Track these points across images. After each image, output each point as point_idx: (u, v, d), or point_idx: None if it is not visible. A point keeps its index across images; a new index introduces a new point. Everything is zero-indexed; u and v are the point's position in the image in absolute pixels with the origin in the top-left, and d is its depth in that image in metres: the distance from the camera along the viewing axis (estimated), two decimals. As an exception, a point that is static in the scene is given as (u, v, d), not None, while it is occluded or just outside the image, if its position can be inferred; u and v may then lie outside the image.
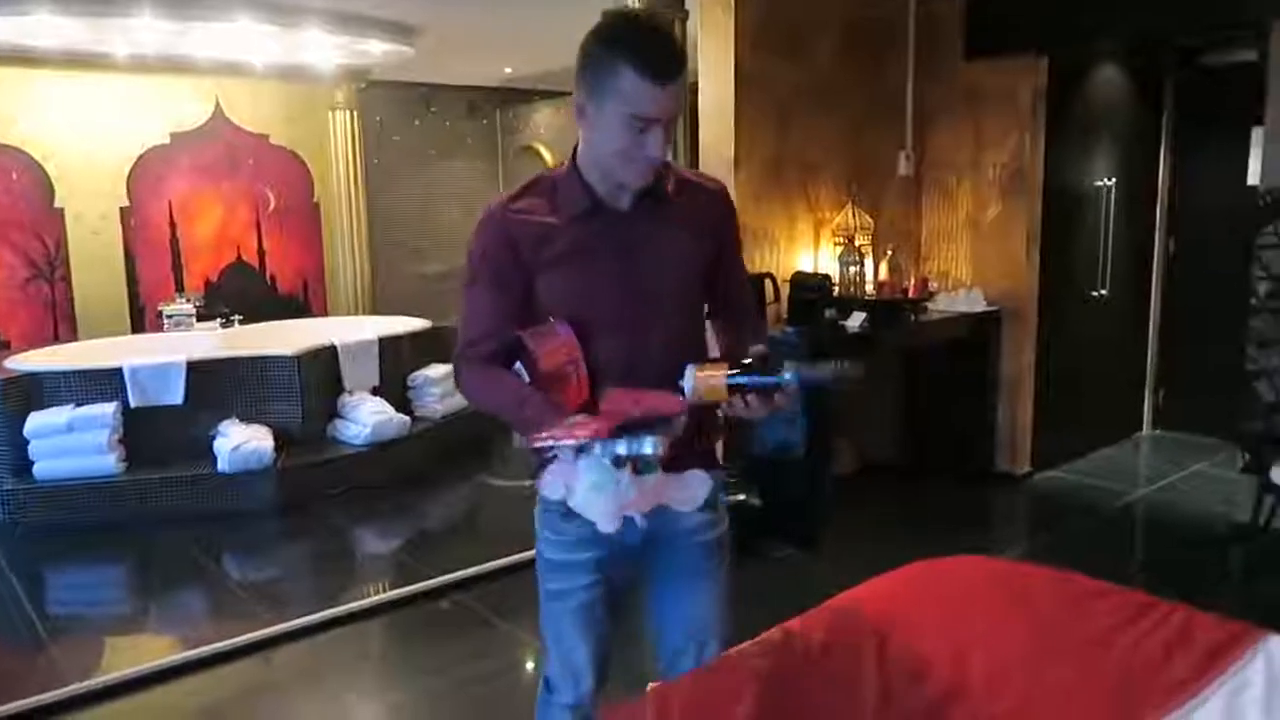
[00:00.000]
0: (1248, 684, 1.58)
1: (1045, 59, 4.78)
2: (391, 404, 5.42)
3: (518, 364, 1.63)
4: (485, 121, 8.54)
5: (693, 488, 1.67)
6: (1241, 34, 4.70)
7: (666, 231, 1.61)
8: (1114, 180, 5.40)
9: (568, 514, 1.61)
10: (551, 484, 1.61)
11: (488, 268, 1.60)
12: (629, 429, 1.42)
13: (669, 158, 1.59)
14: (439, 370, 5.86)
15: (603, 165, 1.55)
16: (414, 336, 5.99)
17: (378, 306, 7.59)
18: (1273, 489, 3.63)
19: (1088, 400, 5.44)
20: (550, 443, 1.46)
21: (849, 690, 1.58)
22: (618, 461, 1.43)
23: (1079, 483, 5.04)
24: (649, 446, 1.41)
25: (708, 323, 1.78)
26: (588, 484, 1.46)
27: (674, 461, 1.51)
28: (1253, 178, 4.28)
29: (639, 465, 1.45)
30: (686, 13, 3.91)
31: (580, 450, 1.44)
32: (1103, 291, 5.44)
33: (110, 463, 4.69)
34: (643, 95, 1.44)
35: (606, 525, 1.50)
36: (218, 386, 4.99)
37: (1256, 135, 4.23)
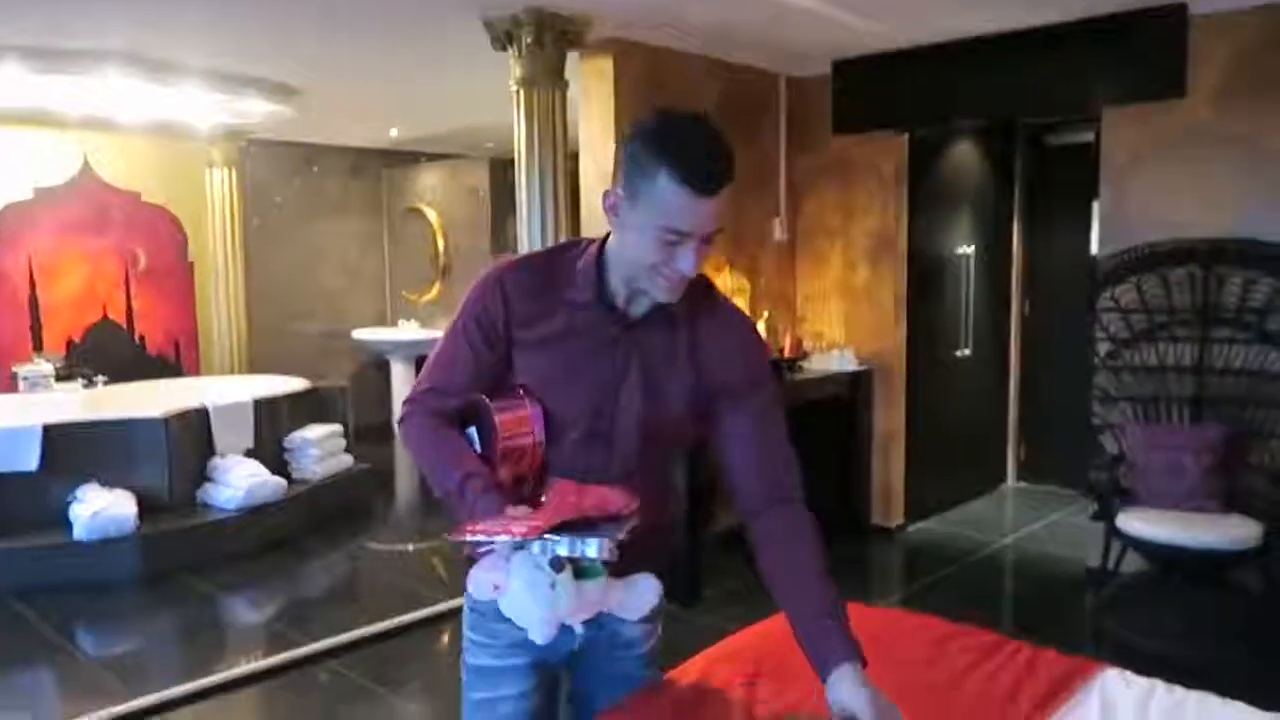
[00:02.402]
0: (1086, 714, 1.69)
1: (905, 135, 5.11)
2: (267, 466, 5.25)
3: (471, 429, 1.50)
4: (370, 182, 8.49)
5: (643, 594, 1.44)
6: (1078, 118, 5.14)
7: (670, 360, 1.50)
8: (973, 247, 5.76)
9: (501, 614, 1.48)
10: (478, 583, 1.34)
11: (476, 326, 1.50)
12: (573, 527, 1.27)
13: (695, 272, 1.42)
14: (318, 431, 5.72)
15: (628, 270, 1.44)
16: (292, 397, 5.84)
17: (255, 366, 7.35)
18: (1119, 535, 3.87)
19: (956, 454, 5.71)
20: (480, 538, 1.30)
21: (717, 735, 1.62)
22: (557, 564, 1.27)
23: (949, 533, 5.26)
24: (593, 549, 1.25)
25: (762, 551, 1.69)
26: (520, 586, 1.29)
27: (621, 565, 1.33)
28: (1093, 247, 4.65)
29: (581, 569, 1.30)
30: (566, 83, 4.03)
31: (518, 547, 1.29)
32: (966, 351, 5.76)
33: (-48, 533, 4.38)
34: (680, 206, 1.33)
35: (538, 634, 1.31)
36: (76, 450, 4.73)
37: (1095, 209, 4.61)
